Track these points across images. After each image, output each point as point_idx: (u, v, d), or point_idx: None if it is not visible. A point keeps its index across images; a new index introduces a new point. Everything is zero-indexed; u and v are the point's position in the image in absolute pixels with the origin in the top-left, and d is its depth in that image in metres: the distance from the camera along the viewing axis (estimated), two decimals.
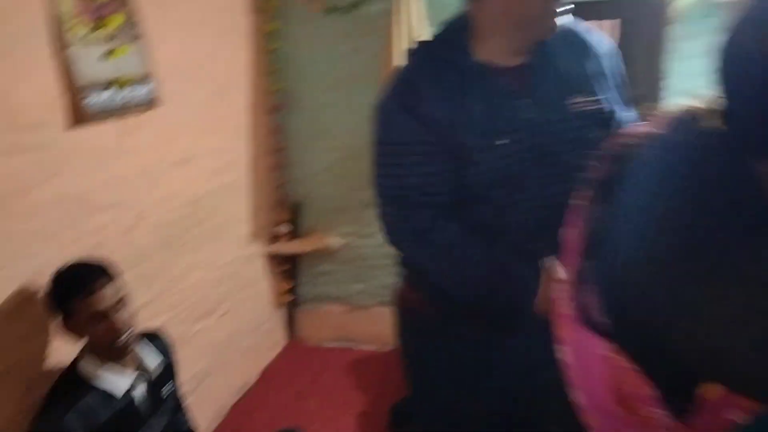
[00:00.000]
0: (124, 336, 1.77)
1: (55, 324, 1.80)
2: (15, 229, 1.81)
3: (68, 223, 2.00)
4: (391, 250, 1.63)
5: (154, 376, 1.92)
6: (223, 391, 3.02)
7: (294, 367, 3.43)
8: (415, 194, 1.47)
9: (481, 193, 1.45)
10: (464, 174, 1.43)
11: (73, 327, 1.77)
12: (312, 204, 3.45)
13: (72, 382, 1.78)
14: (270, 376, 3.36)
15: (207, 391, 2.82)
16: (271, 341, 3.52)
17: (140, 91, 2.28)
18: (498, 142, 1.41)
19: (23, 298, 1.81)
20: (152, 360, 1.94)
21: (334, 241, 3.42)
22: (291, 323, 3.68)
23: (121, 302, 1.78)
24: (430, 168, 1.45)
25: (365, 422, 2.87)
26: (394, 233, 1.58)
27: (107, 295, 1.74)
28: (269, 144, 3.33)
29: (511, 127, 1.42)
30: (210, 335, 2.88)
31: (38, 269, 1.83)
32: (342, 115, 3.26)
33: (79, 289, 1.72)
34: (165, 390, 1.99)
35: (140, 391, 1.87)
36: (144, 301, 2.35)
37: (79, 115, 2.01)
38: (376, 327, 3.49)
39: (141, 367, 1.89)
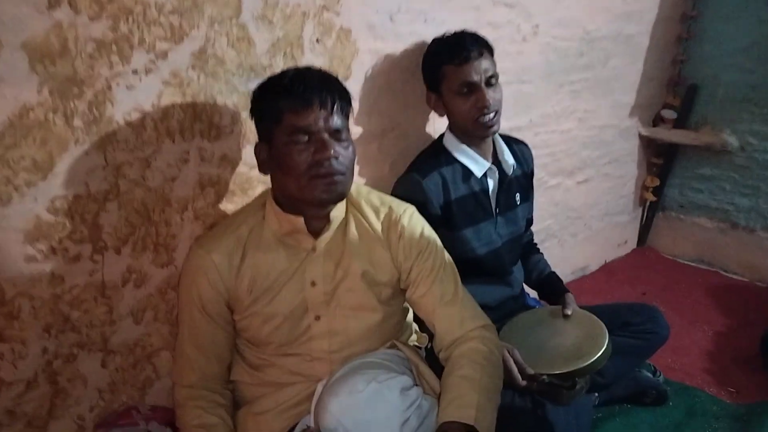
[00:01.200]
0: (489, 116, 1.63)
1: (428, 96, 1.73)
2: None
3: (469, 6, 1.89)
4: None
5: (508, 174, 1.78)
6: (558, 264, 2.76)
7: (642, 270, 3.02)
8: None
9: None
10: None
11: (441, 98, 1.69)
12: (712, 90, 2.88)
13: (437, 153, 1.73)
14: (613, 270, 3.01)
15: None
16: (621, 237, 3.14)
17: None
18: None
19: (414, 66, 1.77)
20: (509, 159, 1.78)
21: (730, 139, 2.83)
22: (647, 226, 3.23)
23: (492, 80, 1.63)
24: None
25: (724, 342, 2.36)
26: None
27: (480, 67, 1.60)
28: (679, 8, 2.84)
29: None
30: (562, 197, 2.64)
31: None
32: None
33: (453, 56, 1.61)
34: (516, 198, 1.84)
35: (493, 183, 1.77)
36: (515, 124, 2.20)
37: None
38: (757, 255, 2.86)
39: (497, 161, 1.76)
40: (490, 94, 1.62)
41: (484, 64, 1.62)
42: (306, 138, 1.19)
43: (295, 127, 1.18)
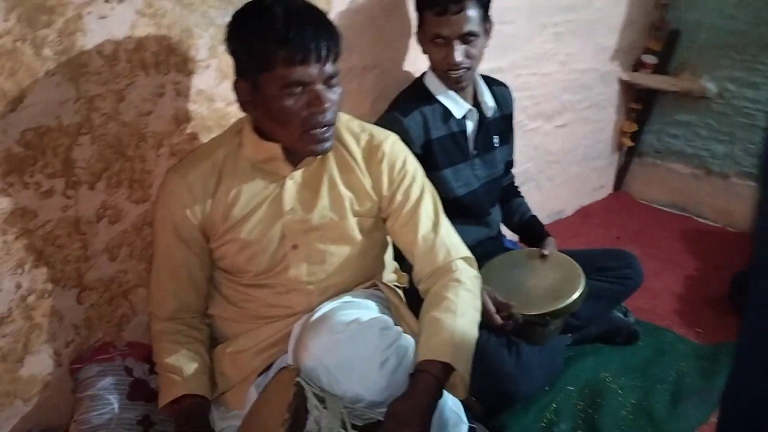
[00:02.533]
0: (458, 73, 1.63)
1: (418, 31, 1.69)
2: None
3: None
4: None
5: (487, 116, 1.78)
6: (535, 208, 2.78)
7: (617, 215, 3.05)
8: None
9: None
10: None
11: (421, 40, 1.68)
12: (694, 35, 2.85)
13: (418, 92, 1.72)
14: (588, 214, 3.04)
15: None
16: (597, 182, 3.16)
17: None
18: None
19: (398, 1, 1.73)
20: (489, 101, 1.78)
21: (708, 85, 2.83)
22: (623, 172, 3.25)
23: (469, 37, 1.59)
24: None
25: (694, 285, 2.42)
26: None
27: (458, 22, 1.57)
28: None
29: None
30: (541, 140, 2.63)
31: None
32: None
33: (432, 4, 1.58)
34: (495, 140, 1.84)
35: (472, 125, 1.78)
36: (496, 65, 2.16)
37: None
38: (730, 201, 2.90)
39: (477, 103, 1.76)
40: (461, 52, 1.59)
41: (465, 17, 1.57)
42: (300, 89, 1.14)
43: (289, 80, 1.13)
